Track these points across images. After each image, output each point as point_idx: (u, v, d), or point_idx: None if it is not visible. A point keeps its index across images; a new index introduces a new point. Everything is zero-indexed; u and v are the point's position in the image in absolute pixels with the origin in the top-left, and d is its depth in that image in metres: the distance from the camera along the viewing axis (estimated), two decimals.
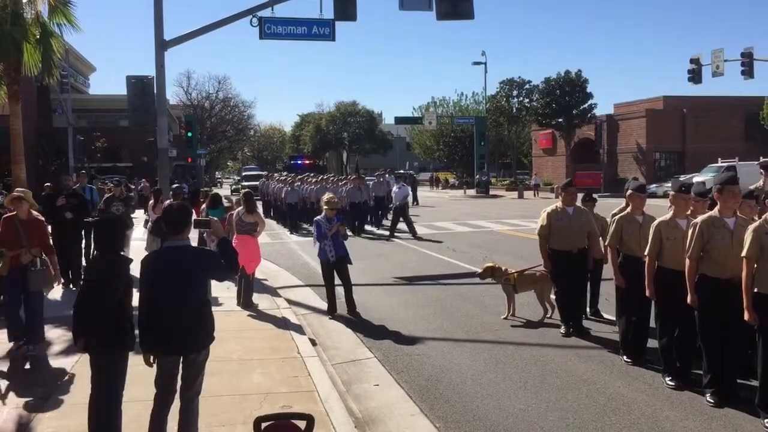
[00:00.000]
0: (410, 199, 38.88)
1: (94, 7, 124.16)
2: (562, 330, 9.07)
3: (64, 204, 12.01)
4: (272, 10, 16.63)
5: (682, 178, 40.30)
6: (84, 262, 12.34)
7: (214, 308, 5.34)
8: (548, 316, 9.77)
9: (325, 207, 10.75)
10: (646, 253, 7.12)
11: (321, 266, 10.86)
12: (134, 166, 49.55)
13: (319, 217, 10.88)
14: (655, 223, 7.13)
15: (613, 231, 7.96)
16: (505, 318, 9.95)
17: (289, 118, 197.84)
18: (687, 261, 6.52)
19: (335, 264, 10.59)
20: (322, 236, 10.54)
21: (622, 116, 55.99)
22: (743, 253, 5.96)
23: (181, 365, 5.09)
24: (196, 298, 5.07)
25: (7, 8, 13.30)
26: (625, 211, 8.05)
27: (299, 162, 56.48)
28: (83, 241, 12.86)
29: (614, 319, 8.63)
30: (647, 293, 7.12)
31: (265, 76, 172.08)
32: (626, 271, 7.75)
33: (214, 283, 5.49)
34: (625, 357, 7.83)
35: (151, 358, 5.08)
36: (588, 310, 9.77)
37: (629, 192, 8.06)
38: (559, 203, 9.27)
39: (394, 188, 24.25)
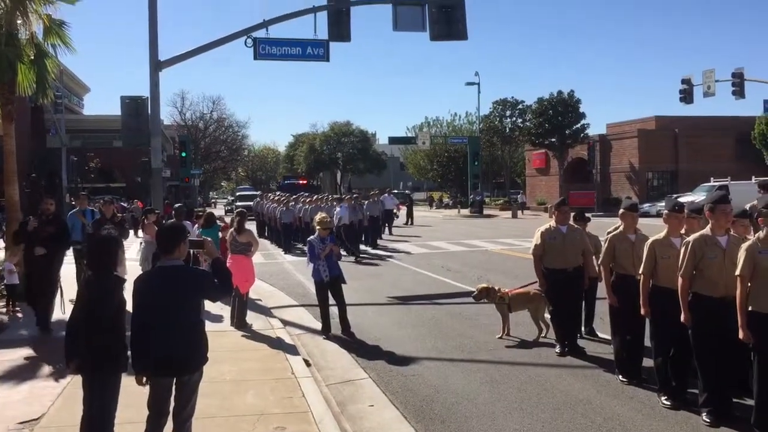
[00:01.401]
0: (403, 213, 39.14)
1: (89, 27, 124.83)
2: (557, 349, 9.04)
3: (35, 230, 10.41)
4: (267, 30, 16.77)
5: (674, 197, 40.50)
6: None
7: (207, 328, 5.31)
8: (543, 335, 9.75)
9: (317, 227, 10.74)
10: (640, 272, 7.12)
11: (315, 286, 10.82)
12: (128, 186, 49.54)
13: (312, 237, 10.88)
14: (649, 241, 7.14)
15: (605, 250, 7.99)
16: (500, 337, 9.92)
17: (283, 138, 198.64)
18: (679, 280, 6.53)
19: (329, 284, 10.56)
20: (316, 256, 10.52)
21: (615, 136, 56.32)
22: (737, 272, 5.97)
23: (174, 386, 5.05)
24: (190, 318, 5.03)
25: (2, 29, 13.32)
26: (618, 230, 8.07)
27: (289, 182, 56.57)
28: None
29: (609, 338, 8.62)
30: (642, 312, 7.10)
31: (260, 96, 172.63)
32: (620, 290, 7.75)
33: (207, 303, 5.45)
34: (620, 376, 7.79)
35: (144, 379, 5.03)
36: (583, 329, 9.75)
37: (621, 211, 8.08)
38: (552, 222, 9.29)
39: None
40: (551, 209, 9.78)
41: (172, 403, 5.08)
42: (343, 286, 10.72)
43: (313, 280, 10.80)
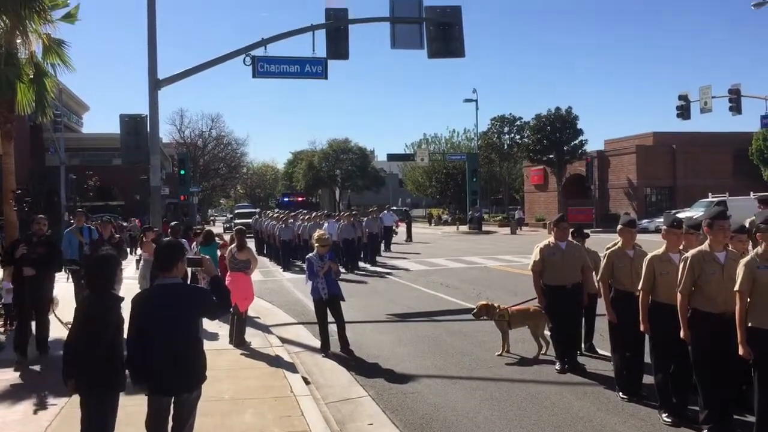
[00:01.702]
0: (402, 230, 39.18)
1: (88, 46, 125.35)
2: (557, 366, 9.01)
3: (24, 254, 9.73)
4: (265, 49, 16.83)
5: (673, 213, 40.58)
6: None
7: (206, 347, 5.29)
8: (543, 352, 9.72)
9: (316, 244, 10.73)
10: (639, 288, 7.11)
11: (314, 304, 10.80)
12: (126, 204, 49.55)
13: (311, 254, 10.85)
14: (648, 257, 7.14)
15: (604, 266, 7.98)
16: (500, 354, 9.89)
17: (281, 156, 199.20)
18: (678, 296, 6.52)
19: (328, 301, 10.53)
20: (314, 274, 10.50)
21: (613, 152, 56.45)
22: (736, 287, 5.95)
23: (172, 405, 5.02)
24: (188, 336, 5.01)
25: (1, 48, 13.39)
26: (616, 246, 8.07)
27: (287, 200, 56.67)
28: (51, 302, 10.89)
29: (609, 354, 8.59)
30: (642, 328, 7.08)
31: (258, 113, 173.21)
32: (619, 306, 7.75)
33: (205, 320, 5.44)
34: (620, 393, 7.76)
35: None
36: (582, 345, 9.72)
37: (619, 227, 8.09)
38: (551, 238, 9.29)
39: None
40: (550, 225, 9.82)
41: (170, 423, 5.05)
42: (342, 303, 10.70)
43: (312, 298, 10.77)
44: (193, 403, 5.10)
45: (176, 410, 5.03)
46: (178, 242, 6.39)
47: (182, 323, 4.97)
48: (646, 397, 7.59)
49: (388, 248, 30.65)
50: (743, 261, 6.02)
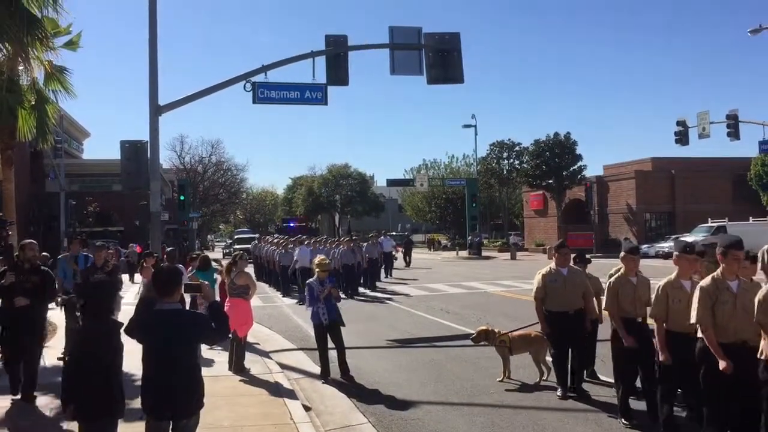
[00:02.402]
0: (400, 255, 39.11)
1: (90, 72, 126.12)
2: (559, 393, 8.93)
3: (12, 283, 8.74)
4: (266, 75, 16.94)
5: (674, 238, 40.58)
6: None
7: (204, 373, 5.25)
8: (544, 378, 9.65)
9: (317, 269, 10.70)
10: (651, 316, 6.97)
11: (314, 329, 10.75)
12: (126, 230, 49.49)
13: (311, 279, 10.82)
14: (662, 284, 6.91)
15: (609, 293, 7.86)
16: (501, 380, 9.82)
17: (281, 181, 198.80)
18: (704, 329, 6.21)
19: (328, 327, 10.47)
20: (315, 299, 10.47)
21: (612, 177, 56.65)
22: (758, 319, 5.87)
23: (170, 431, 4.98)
24: (187, 361, 4.99)
25: (3, 75, 13.48)
26: (619, 273, 8.01)
27: (291, 225, 56.73)
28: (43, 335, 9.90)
29: (609, 380, 8.52)
30: (662, 358, 6.74)
31: (258, 139, 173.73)
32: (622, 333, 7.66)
33: (204, 346, 5.42)
34: (623, 420, 7.68)
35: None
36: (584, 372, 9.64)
37: (622, 254, 8.02)
38: (553, 264, 9.21)
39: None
40: (551, 251, 9.69)
41: None
42: (342, 328, 10.64)
43: (312, 323, 10.72)
44: (191, 429, 5.06)
45: None
46: (176, 268, 6.38)
47: (181, 348, 4.95)
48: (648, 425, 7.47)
49: (389, 274, 30.43)
50: (761, 294, 5.88)
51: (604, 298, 8.17)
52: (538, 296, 9.16)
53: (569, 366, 9.04)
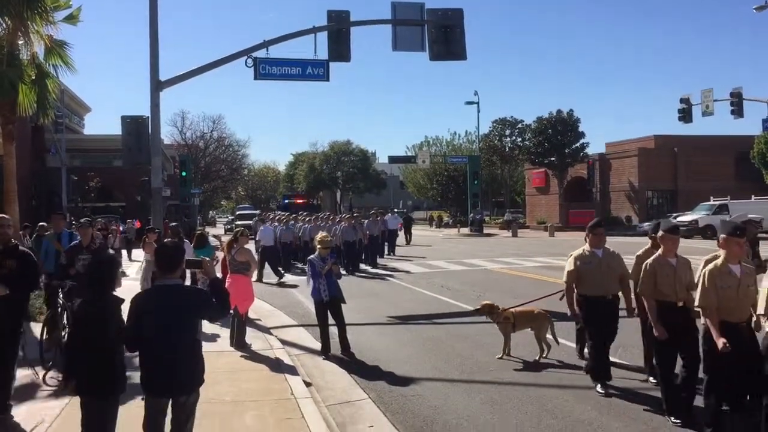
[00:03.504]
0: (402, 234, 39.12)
1: (90, 47, 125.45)
2: (600, 389, 8.11)
3: None
4: (267, 51, 16.81)
5: (674, 216, 40.56)
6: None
7: (206, 349, 5.27)
8: (544, 356, 9.68)
9: (318, 246, 10.73)
10: (698, 305, 6.53)
11: (315, 306, 10.79)
12: (128, 205, 49.54)
13: (312, 255, 10.85)
14: (708, 270, 6.52)
15: (645, 276, 7.28)
16: (501, 358, 9.86)
17: (283, 158, 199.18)
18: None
19: (329, 303, 10.51)
20: (316, 275, 10.48)
21: (614, 155, 56.49)
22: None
23: (171, 408, 5.01)
24: (187, 338, 4.99)
25: (4, 49, 13.40)
26: (657, 254, 7.41)
27: (285, 202, 56.87)
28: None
29: (619, 361, 8.39)
30: (720, 347, 6.19)
31: (260, 115, 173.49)
32: (663, 319, 7.10)
33: (205, 322, 5.42)
34: (672, 419, 7.01)
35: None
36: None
37: (661, 233, 7.42)
38: (586, 246, 8.55)
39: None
40: (586, 232, 8.70)
41: (168, 426, 5.03)
42: (342, 305, 10.68)
43: (313, 300, 10.76)
44: (191, 405, 5.07)
45: (174, 413, 5.01)
46: (179, 243, 6.38)
47: (182, 324, 4.96)
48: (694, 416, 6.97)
49: (392, 252, 30.29)
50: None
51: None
52: (569, 280, 8.51)
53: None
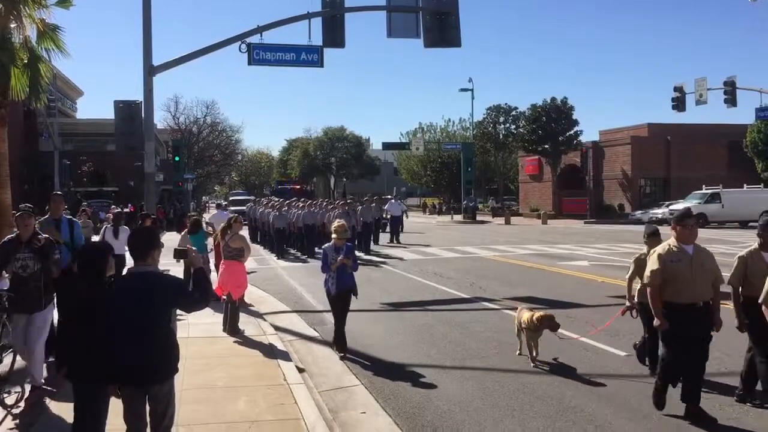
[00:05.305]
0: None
1: (83, 31, 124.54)
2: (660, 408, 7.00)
3: None
4: (261, 36, 16.71)
5: (667, 204, 40.68)
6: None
7: (199, 334, 5.29)
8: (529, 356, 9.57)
9: (333, 235, 9.89)
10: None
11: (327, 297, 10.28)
12: (121, 190, 49.41)
13: (327, 245, 10.14)
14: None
15: (737, 269, 7.01)
16: (520, 353, 9.28)
17: (276, 143, 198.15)
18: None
19: (336, 297, 9.92)
20: (326, 267, 9.87)
21: (608, 143, 56.54)
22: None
23: (147, 398, 4.91)
24: (158, 326, 4.85)
25: None
26: (751, 248, 7.08)
27: (279, 188, 56.77)
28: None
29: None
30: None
31: (253, 101, 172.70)
32: (751, 313, 6.82)
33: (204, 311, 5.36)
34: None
35: (118, 391, 4.91)
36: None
37: (759, 231, 7.01)
38: (672, 240, 6.92)
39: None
40: (672, 224, 7.04)
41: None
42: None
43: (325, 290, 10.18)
44: (165, 395, 4.92)
45: (151, 404, 4.90)
46: (151, 229, 6.23)
47: (152, 313, 4.80)
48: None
49: (397, 239, 29.63)
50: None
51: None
52: (654, 282, 6.81)
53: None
